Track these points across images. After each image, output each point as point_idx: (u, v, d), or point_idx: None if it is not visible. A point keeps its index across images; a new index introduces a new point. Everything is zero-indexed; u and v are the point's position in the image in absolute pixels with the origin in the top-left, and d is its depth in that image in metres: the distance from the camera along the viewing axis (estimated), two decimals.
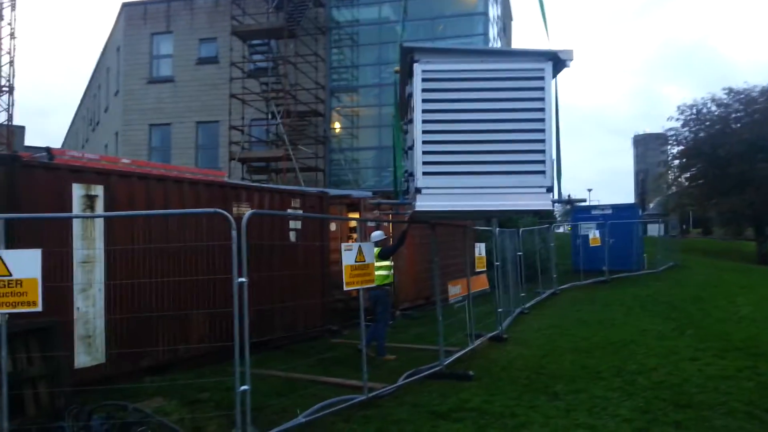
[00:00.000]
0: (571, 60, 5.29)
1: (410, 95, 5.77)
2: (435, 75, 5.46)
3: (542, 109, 5.31)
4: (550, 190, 5.35)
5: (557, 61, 5.33)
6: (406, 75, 5.85)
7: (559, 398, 6.95)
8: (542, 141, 5.32)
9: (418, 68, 5.47)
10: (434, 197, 5.50)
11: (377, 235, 9.66)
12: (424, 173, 5.48)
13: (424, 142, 5.47)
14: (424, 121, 5.47)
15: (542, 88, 5.32)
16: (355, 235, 14.37)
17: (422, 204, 5.53)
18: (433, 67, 5.48)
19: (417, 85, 5.49)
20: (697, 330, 11.00)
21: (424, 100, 5.47)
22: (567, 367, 8.45)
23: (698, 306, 13.77)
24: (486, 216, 6.85)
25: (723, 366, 8.20)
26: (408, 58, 5.59)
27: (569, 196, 8.20)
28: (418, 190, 5.49)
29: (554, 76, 5.66)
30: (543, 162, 5.34)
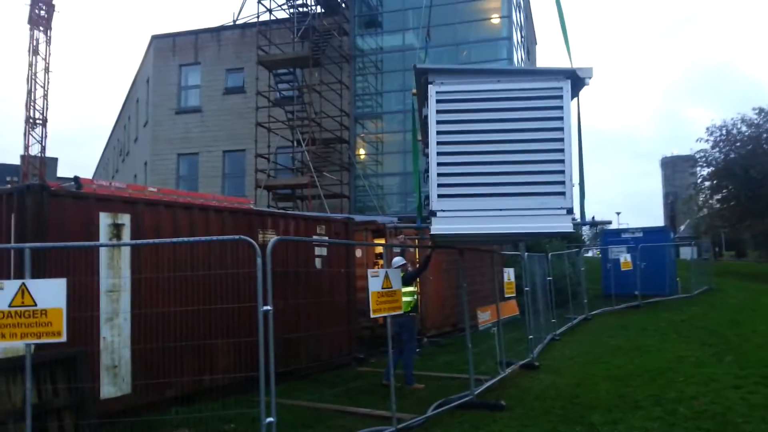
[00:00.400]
0: (591, 78, 5.16)
1: (426, 117, 5.70)
2: (450, 96, 5.38)
3: (561, 129, 5.18)
4: (570, 211, 5.19)
5: (576, 79, 5.21)
6: (423, 97, 5.78)
7: (596, 429, 6.66)
8: (561, 161, 5.18)
9: (432, 90, 5.38)
10: (450, 220, 5.37)
11: (397, 261, 9.48)
12: (440, 196, 5.36)
13: (439, 164, 5.36)
14: (439, 143, 5.37)
15: (561, 107, 5.20)
16: (381, 261, 14.22)
17: (438, 227, 5.40)
18: (447, 88, 5.39)
19: (431, 106, 5.40)
20: (737, 356, 10.56)
21: (438, 122, 5.38)
22: (603, 397, 8.13)
23: (736, 331, 13.28)
24: (505, 239, 6.62)
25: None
26: (422, 79, 5.51)
27: (593, 218, 8.01)
28: (433, 213, 5.36)
29: (575, 94, 5.52)
30: (563, 183, 5.19)
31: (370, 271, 6.40)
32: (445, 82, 5.41)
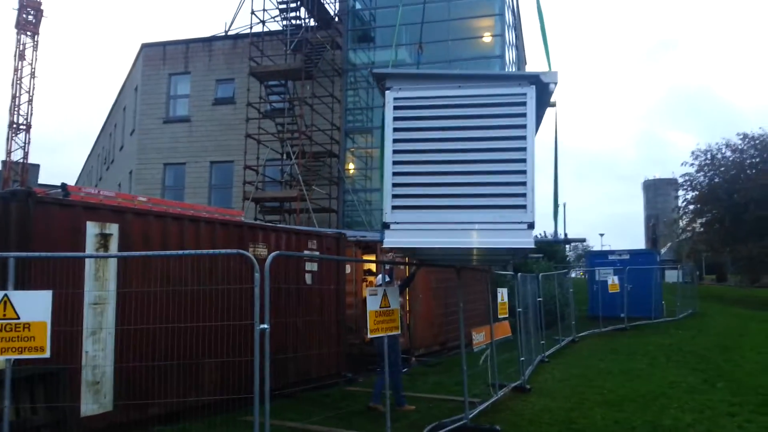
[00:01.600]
0: (555, 83, 4.83)
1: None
2: (407, 102, 5.09)
3: (524, 137, 4.85)
4: (531, 226, 4.81)
5: (540, 85, 4.89)
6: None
7: None
8: (523, 172, 4.83)
9: (389, 96, 5.11)
10: (404, 233, 5.04)
11: (380, 279, 9.29)
12: (394, 207, 5.04)
13: (394, 174, 5.05)
14: (395, 152, 5.07)
15: (524, 114, 4.87)
16: (371, 278, 14.03)
17: (390, 240, 5.08)
18: (405, 94, 5.10)
19: (388, 113, 5.10)
20: (729, 382, 10.50)
21: (395, 129, 5.08)
22: (598, 422, 7.97)
23: (725, 356, 13.26)
24: (462, 255, 6.15)
25: (765, 423, 7.72)
26: (381, 85, 5.24)
27: (566, 235, 7.84)
28: (386, 226, 5.05)
29: (542, 103, 5.23)
30: (524, 195, 4.83)
31: (368, 290, 6.20)
32: (403, 88, 5.12)
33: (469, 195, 4.91)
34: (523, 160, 4.83)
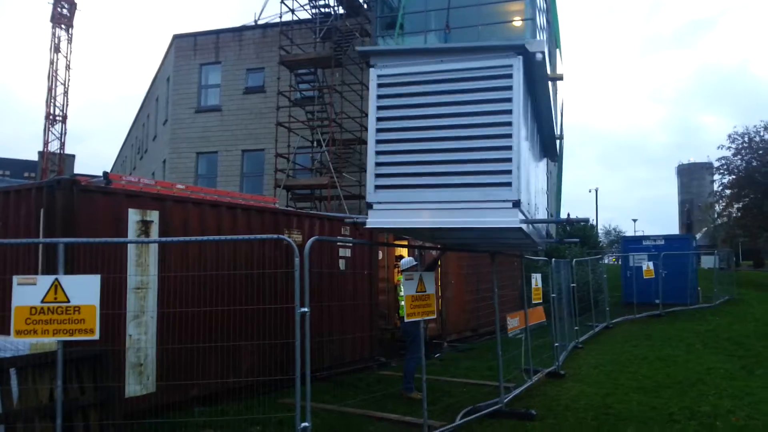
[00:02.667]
0: (542, 52, 4.60)
1: None
2: (391, 80, 4.96)
3: (509, 111, 4.60)
4: (517, 204, 4.55)
5: (527, 55, 4.63)
6: None
7: None
8: (509, 148, 4.58)
9: (373, 73, 5.00)
10: (388, 213, 4.92)
11: (407, 261, 9.29)
12: (377, 187, 4.93)
13: (377, 153, 4.94)
14: (378, 130, 4.96)
15: (510, 87, 4.61)
16: None
17: (373, 221, 4.97)
18: (389, 71, 4.96)
19: (372, 91, 5.03)
20: None
21: (379, 107, 4.98)
22: (635, 408, 7.93)
23: (763, 343, 13.02)
24: (448, 235, 5.94)
25: None
26: (367, 63, 5.14)
27: (568, 214, 7.54)
28: (369, 206, 4.95)
29: (540, 77, 5.01)
30: (509, 172, 4.57)
31: (404, 274, 6.25)
32: (387, 65, 4.98)
33: (452, 173, 4.74)
34: (509, 136, 4.60)
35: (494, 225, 4.66)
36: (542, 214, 7.04)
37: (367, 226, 5.04)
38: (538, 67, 4.88)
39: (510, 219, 4.58)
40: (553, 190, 8.49)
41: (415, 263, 9.03)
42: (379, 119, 4.97)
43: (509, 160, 4.58)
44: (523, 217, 4.75)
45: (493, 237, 6.09)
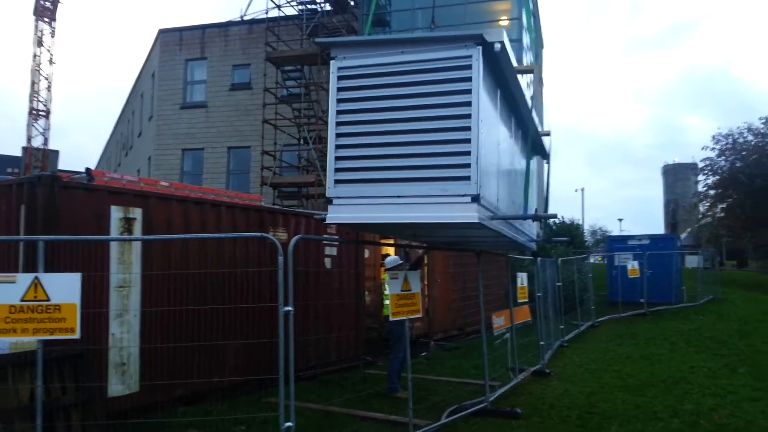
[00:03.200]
0: (500, 41, 4.47)
1: None
2: (352, 72, 4.85)
3: (468, 103, 4.49)
4: (476, 199, 4.42)
5: (487, 45, 4.53)
6: None
7: None
8: (467, 141, 4.47)
9: (333, 65, 4.89)
10: (347, 208, 4.82)
11: (392, 260, 9.26)
12: (336, 181, 4.83)
13: (337, 147, 4.84)
14: (338, 124, 4.85)
15: (469, 79, 4.51)
16: None
17: (333, 216, 4.88)
18: (349, 63, 4.85)
19: (332, 84, 4.90)
20: (751, 368, 10.43)
21: (339, 100, 4.87)
22: (619, 406, 7.97)
23: (746, 341, 13.15)
24: (407, 230, 5.84)
25: None
26: (327, 55, 5.04)
27: (536, 210, 7.53)
28: (329, 201, 4.86)
29: (504, 68, 4.91)
30: (468, 166, 4.45)
31: (389, 273, 6.22)
32: (347, 57, 4.87)
33: (412, 167, 4.65)
34: (468, 128, 4.49)
35: (452, 220, 4.57)
36: (529, 212, 7.02)
37: (327, 221, 4.97)
38: (503, 59, 4.78)
39: (468, 214, 4.47)
40: (542, 188, 8.47)
41: (400, 262, 9.02)
42: (339, 112, 4.88)
43: (468, 153, 4.49)
44: (486, 213, 4.66)
45: (459, 234, 5.98)
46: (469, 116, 4.48)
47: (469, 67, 4.51)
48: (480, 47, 4.49)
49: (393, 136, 4.70)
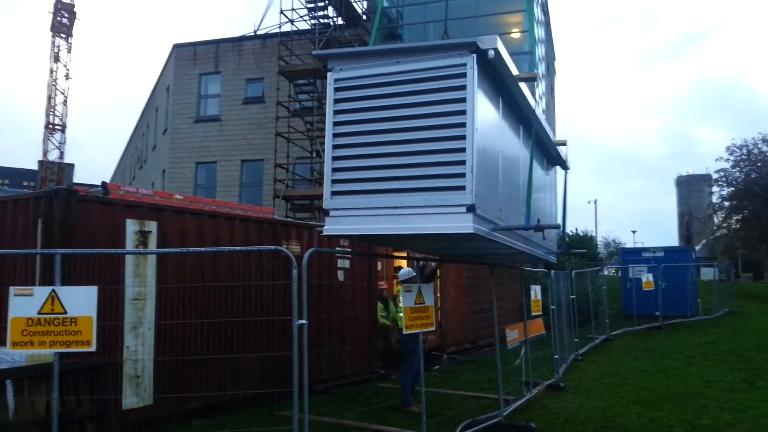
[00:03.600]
0: (494, 48, 4.40)
1: None
2: (349, 83, 4.83)
3: (463, 112, 4.43)
4: (471, 209, 4.32)
5: (480, 52, 4.46)
6: None
7: None
8: (462, 150, 4.39)
9: (330, 77, 4.87)
10: (344, 220, 4.77)
11: (405, 272, 9.22)
12: (333, 193, 4.79)
13: (334, 158, 4.80)
14: (335, 135, 4.82)
15: (464, 87, 4.45)
16: None
17: (330, 228, 4.82)
18: (346, 75, 4.84)
19: (329, 96, 4.89)
20: None
21: (336, 112, 4.84)
22: (635, 421, 7.88)
23: (764, 355, 12.97)
24: (406, 242, 5.73)
25: None
26: (325, 68, 5.00)
27: (538, 220, 7.34)
28: (326, 212, 4.81)
29: (501, 75, 4.86)
30: (463, 175, 4.37)
31: (403, 286, 6.21)
32: (344, 68, 4.85)
33: (408, 177, 4.58)
34: (462, 137, 4.41)
35: (446, 230, 4.49)
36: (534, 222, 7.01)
37: (324, 233, 4.92)
38: (501, 67, 4.73)
39: (464, 224, 4.37)
40: (561, 200, 8.42)
41: (413, 274, 8.99)
42: (335, 123, 4.86)
43: (463, 162, 4.40)
44: (485, 223, 4.60)
45: (468, 246, 5.88)
46: (463, 125, 4.43)
47: (463, 75, 4.48)
48: (474, 55, 4.45)
49: (389, 147, 4.66)
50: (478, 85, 4.49)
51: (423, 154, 4.55)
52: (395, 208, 4.58)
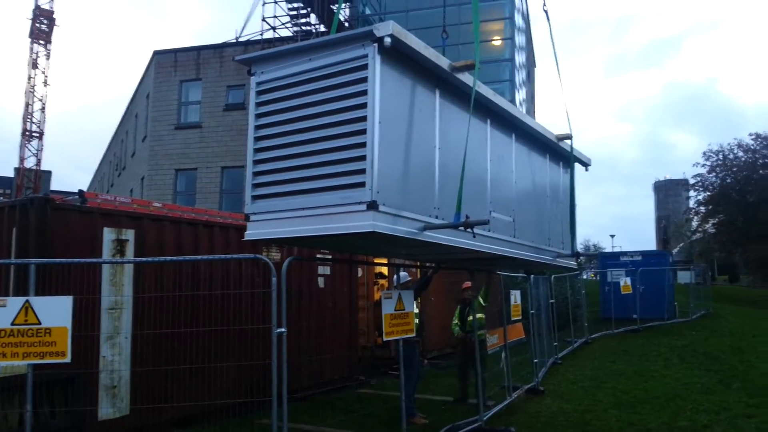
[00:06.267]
0: (389, 34, 4.23)
1: None
2: (268, 85, 4.76)
3: (363, 105, 4.26)
4: (373, 206, 4.13)
5: (381, 42, 4.27)
6: None
7: None
8: (362, 145, 4.23)
9: (252, 81, 4.81)
10: (262, 224, 4.67)
11: (402, 276, 9.17)
12: (254, 197, 4.72)
13: (255, 162, 4.74)
14: (256, 139, 4.75)
15: (365, 79, 4.29)
16: (382, 281, 14.06)
17: (251, 233, 4.75)
18: (266, 77, 4.78)
19: (251, 99, 4.82)
20: (744, 383, 10.45)
21: (257, 116, 4.77)
22: (613, 424, 7.96)
23: (740, 357, 13.17)
24: (325, 243, 5.92)
25: None
26: (248, 72, 4.93)
27: (467, 216, 6.85)
28: (246, 217, 4.73)
29: (429, 67, 4.71)
30: (363, 171, 4.20)
31: (383, 293, 6.23)
32: (265, 71, 4.78)
33: (318, 177, 4.47)
34: (363, 132, 4.26)
35: (346, 230, 4.32)
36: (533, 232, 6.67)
37: (245, 239, 4.87)
38: (414, 54, 4.55)
39: (364, 223, 4.18)
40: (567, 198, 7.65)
41: (410, 279, 8.92)
42: (257, 127, 4.80)
43: (363, 158, 4.23)
44: (396, 222, 4.39)
45: (385, 246, 5.63)
46: (364, 118, 4.26)
47: (365, 66, 4.32)
48: (376, 45, 4.28)
49: (303, 146, 4.56)
50: (388, 76, 4.35)
51: (331, 152, 4.42)
52: (307, 209, 4.48)
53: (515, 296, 10.12)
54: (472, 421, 7.74)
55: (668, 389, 10.12)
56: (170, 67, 25.28)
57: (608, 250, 66.47)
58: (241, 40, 25.14)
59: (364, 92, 4.27)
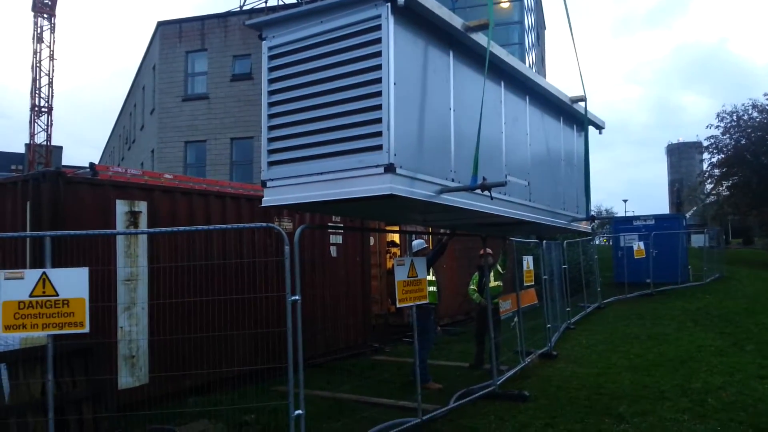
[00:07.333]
0: None
1: None
2: (281, 50, 4.68)
3: (379, 67, 4.18)
4: (390, 168, 4.07)
5: (394, 1, 4.17)
6: None
7: (625, 421, 6.52)
8: (378, 108, 4.16)
9: (264, 46, 4.72)
10: (280, 190, 4.65)
11: (418, 243, 9.14)
12: (270, 163, 4.68)
13: (270, 128, 4.69)
14: (269, 104, 4.70)
15: (379, 40, 4.22)
16: (394, 249, 14.09)
17: (268, 199, 4.75)
18: (277, 42, 4.68)
19: (264, 64, 4.74)
20: (758, 345, 10.45)
21: (270, 81, 4.70)
22: (627, 387, 8.01)
23: (754, 320, 13.15)
24: (340, 209, 5.66)
25: None
26: (260, 37, 4.81)
27: (484, 178, 6.62)
28: (263, 184, 4.73)
29: (435, 24, 4.58)
30: (380, 134, 4.14)
31: (396, 260, 6.23)
32: (276, 35, 4.69)
33: (334, 141, 4.42)
34: (378, 94, 4.19)
35: (364, 194, 4.27)
36: (546, 194, 6.54)
37: (262, 205, 4.85)
38: (430, 15, 4.45)
39: (381, 186, 4.13)
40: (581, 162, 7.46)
41: (425, 246, 8.87)
42: (270, 93, 4.73)
43: (379, 120, 4.17)
44: (413, 184, 4.34)
45: (406, 211, 5.57)
46: (379, 80, 4.18)
47: (378, 27, 4.23)
48: (388, 4, 4.19)
49: (318, 111, 4.49)
50: (402, 37, 4.27)
51: (346, 115, 4.37)
52: (324, 173, 4.44)
53: (528, 262, 10.11)
54: (486, 385, 7.81)
55: (682, 352, 10.15)
56: (175, 38, 25.07)
57: (621, 215, 66.30)
58: (245, 8, 24.81)
59: (378, 53, 4.19)
